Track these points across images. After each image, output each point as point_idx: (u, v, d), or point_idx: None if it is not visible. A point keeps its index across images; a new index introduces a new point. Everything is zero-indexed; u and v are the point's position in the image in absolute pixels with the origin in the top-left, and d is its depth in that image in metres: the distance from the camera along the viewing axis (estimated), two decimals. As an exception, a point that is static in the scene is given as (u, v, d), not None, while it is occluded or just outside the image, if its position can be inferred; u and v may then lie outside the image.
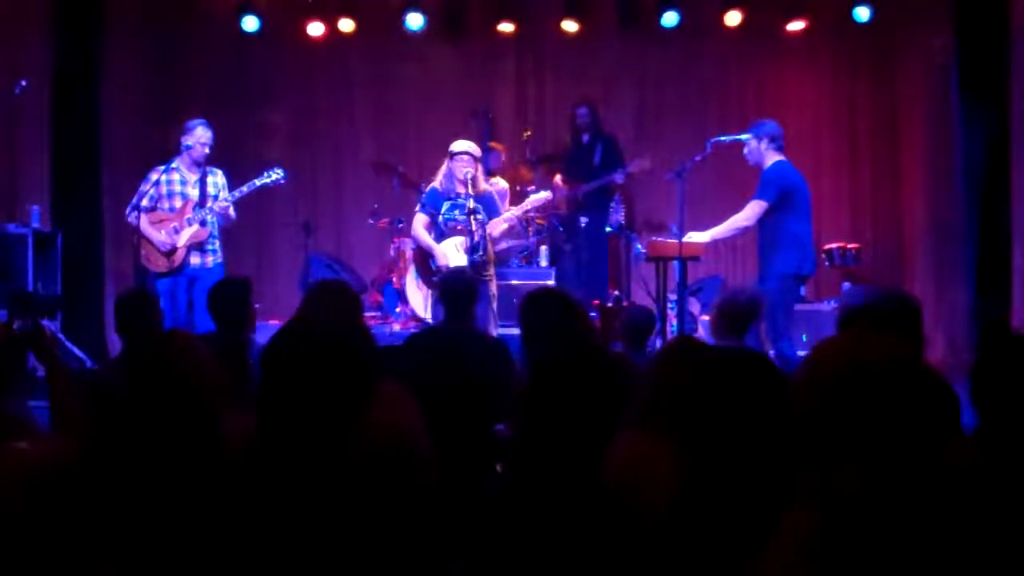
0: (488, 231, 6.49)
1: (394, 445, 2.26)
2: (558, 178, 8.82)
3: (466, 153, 6.52)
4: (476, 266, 6.33)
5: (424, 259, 6.81)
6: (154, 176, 6.59)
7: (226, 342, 4.07)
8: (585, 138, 8.85)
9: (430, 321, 7.39)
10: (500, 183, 8.10)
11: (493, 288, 6.61)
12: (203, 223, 6.53)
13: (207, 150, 6.57)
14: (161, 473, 2.08)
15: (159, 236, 6.52)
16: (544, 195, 7.00)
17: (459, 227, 6.53)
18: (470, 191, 6.48)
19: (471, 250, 6.42)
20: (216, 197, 6.55)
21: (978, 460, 2.07)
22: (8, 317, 6.59)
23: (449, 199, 6.59)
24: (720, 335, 4.32)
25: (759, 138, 6.17)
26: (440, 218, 6.61)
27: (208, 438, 2.14)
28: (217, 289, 4.46)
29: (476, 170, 6.54)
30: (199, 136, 6.55)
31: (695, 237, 6.29)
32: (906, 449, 1.69)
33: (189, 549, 2.00)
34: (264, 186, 6.65)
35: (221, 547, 2.00)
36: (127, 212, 6.66)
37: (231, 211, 6.63)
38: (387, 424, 2.44)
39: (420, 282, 7.28)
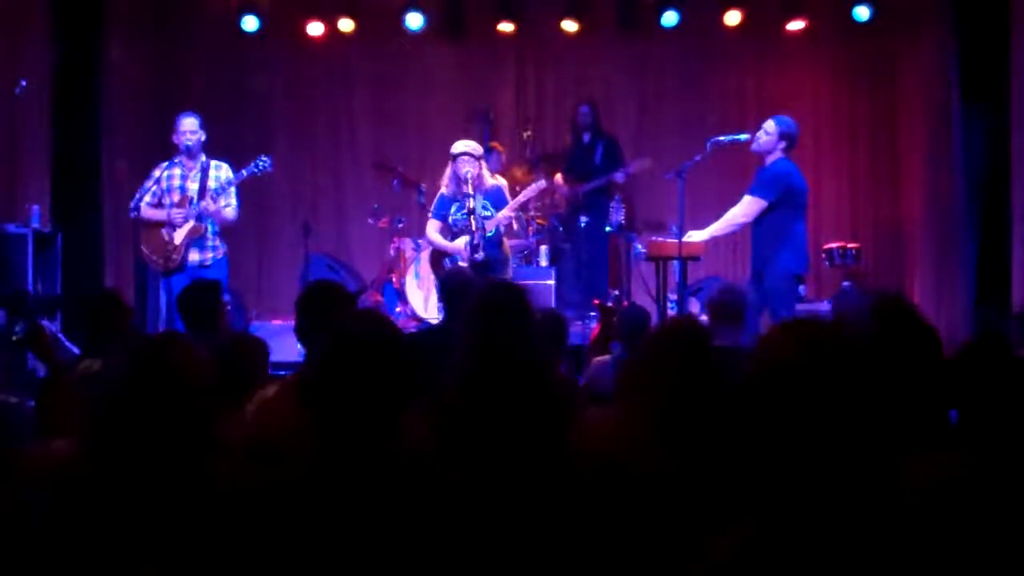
0: (493, 226, 6.51)
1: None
2: (558, 177, 8.82)
3: (466, 154, 6.55)
4: (478, 265, 6.34)
5: (439, 261, 6.85)
6: (156, 172, 6.61)
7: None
8: (586, 137, 8.86)
9: (430, 320, 7.42)
10: (499, 180, 8.10)
11: None
12: (200, 218, 6.52)
13: (190, 138, 6.53)
14: (155, 474, 2.08)
15: (159, 213, 6.53)
16: (539, 183, 7.05)
17: (464, 226, 6.57)
18: (470, 190, 6.49)
19: (472, 249, 6.43)
20: (216, 191, 6.52)
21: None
22: (7, 318, 6.58)
23: (456, 201, 6.62)
24: (715, 332, 4.36)
25: (779, 134, 6.13)
26: (450, 220, 6.65)
27: (203, 439, 2.15)
28: (186, 291, 4.44)
29: (479, 168, 6.57)
30: (180, 127, 6.56)
31: (694, 236, 6.29)
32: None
33: (184, 549, 2.00)
34: (252, 174, 6.61)
35: (218, 548, 2.00)
36: (131, 208, 6.64)
37: (222, 210, 6.52)
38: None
39: (420, 282, 7.31)
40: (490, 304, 2.86)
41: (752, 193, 6.13)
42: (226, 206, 6.55)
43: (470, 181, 6.47)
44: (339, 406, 2.16)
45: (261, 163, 6.60)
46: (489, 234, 6.48)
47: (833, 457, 1.65)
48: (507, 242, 6.88)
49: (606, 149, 8.79)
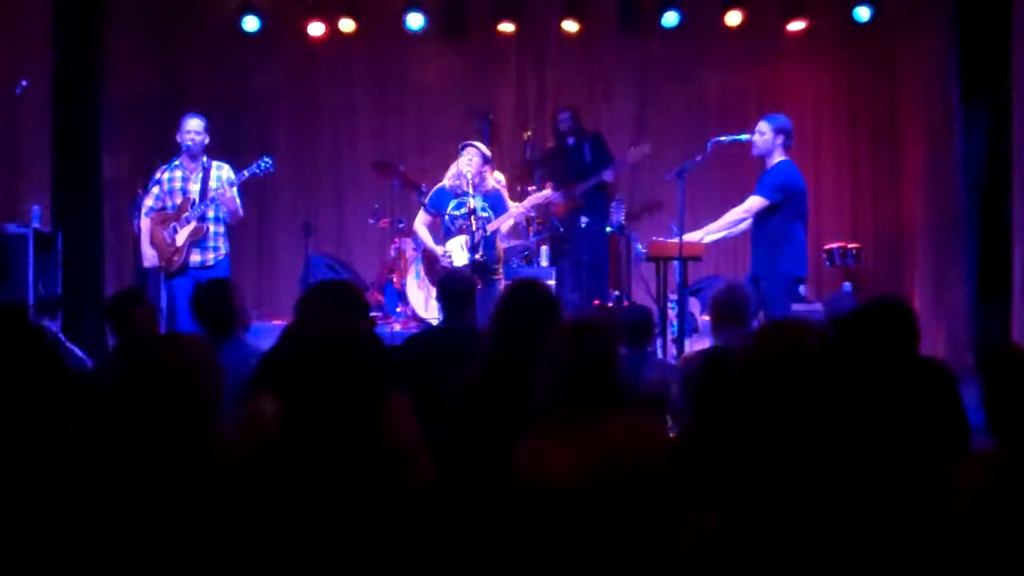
0: (494, 228, 6.55)
1: (384, 445, 2.27)
2: (548, 186, 8.81)
3: (472, 145, 6.69)
4: (477, 265, 6.36)
5: (432, 258, 6.89)
6: (158, 175, 6.61)
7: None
8: (570, 141, 8.89)
9: (431, 321, 7.42)
10: (496, 174, 8.15)
11: (501, 288, 6.64)
12: (201, 219, 6.51)
13: (195, 139, 6.53)
14: (154, 472, 2.08)
15: (149, 251, 6.54)
16: (545, 192, 7.11)
17: (464, 225, 6.60)
18: (469, 189, 6.53)
19: (472, 249, 6.46)
20: (218, 190, 6.50)
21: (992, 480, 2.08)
22: (36, 319, 6.59)
23: (456, 197, 6.66)
24: (717, 332, 4.38)
25: (775, 131, 6.16)
26: (446, 216, 6.69)
27: (202, 439, 2.15)
28: (198, 291, 4.38)
29: (479, 166, 6.65)
30: (186, 127, 6.55)
31: (693, 236, 6.31)
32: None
33: (181, 547, 2.01)
34: (254, 175, 6.61)
35: (213, 545, 2.00)
36: (134, 213, 6.64)
37: (231, 198, 6.53)
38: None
39: (421, 282, 7.32)
40: (520, 300, 3.02)
41: (757, 193, 6.17)
42: (224, 193, 6.55)
43: (469, 178, 6.52)
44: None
45: (263, 164, 6.61)
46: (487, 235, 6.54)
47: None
48: (501, 243, 6.91)
49: (593, 146, 8.80)
